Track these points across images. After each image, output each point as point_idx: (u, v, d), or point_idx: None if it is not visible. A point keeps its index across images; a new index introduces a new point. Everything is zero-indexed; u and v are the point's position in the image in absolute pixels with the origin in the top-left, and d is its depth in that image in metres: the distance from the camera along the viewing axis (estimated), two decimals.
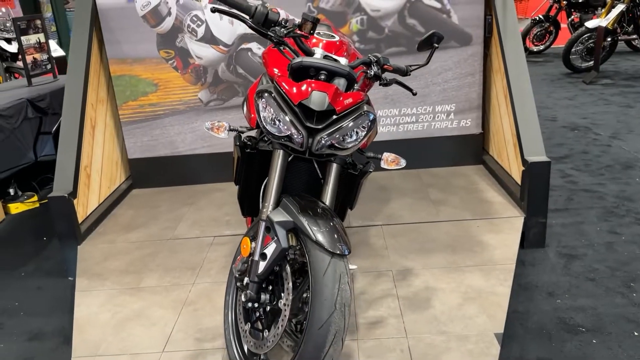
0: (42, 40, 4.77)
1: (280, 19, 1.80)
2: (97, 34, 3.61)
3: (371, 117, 1.77)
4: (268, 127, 1.75)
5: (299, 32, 1.81)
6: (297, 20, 1.85)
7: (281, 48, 1.83)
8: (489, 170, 3.68)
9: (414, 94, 2.11)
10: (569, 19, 8.44)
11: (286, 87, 1.72)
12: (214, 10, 1.77)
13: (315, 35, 2.09)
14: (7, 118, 4.00)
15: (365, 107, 1.76)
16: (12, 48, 6.79)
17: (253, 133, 2.03)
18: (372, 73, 1.94)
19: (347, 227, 3.07)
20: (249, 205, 2.11)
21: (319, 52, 1.86)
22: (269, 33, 1.78)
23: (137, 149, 3.86)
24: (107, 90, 3.76)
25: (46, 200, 3.54)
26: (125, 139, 3.85)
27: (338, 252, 1.64)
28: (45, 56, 4.82)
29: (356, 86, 1.88)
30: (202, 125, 3.82)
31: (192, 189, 3.80)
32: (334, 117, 1.72)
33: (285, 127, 1.72)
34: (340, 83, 1.79)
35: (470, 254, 2.70)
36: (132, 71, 3.71)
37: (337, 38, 2.10)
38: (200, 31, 3.61)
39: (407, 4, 3.54)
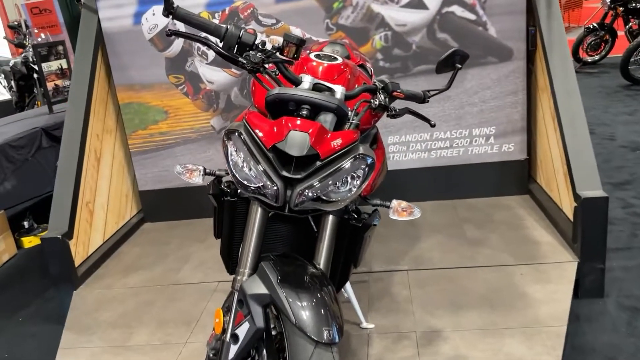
0: (64, 66, 4.68)
1: (258, 41, 1.46)
2: (103, 60, 3.40)
3: (368, 161, 1.39)
4: (237, 176, 1.40)
5: (281, 56, 1.46)
6: (288, 42, 1.49)
7: (258, 76, 1.48)
8: (536, 202, 3.20)
9: (432, 126, 1.73)
10: (627, 27, 7.74)
11: (257, 126, 1.37)
12: (170, 34, 1.46)
13: (313, 57, 1.73)
14: (18, 149, 3.84)
15: (361, 149, 1.39)
16: None
17: None
18: (377, 103, 1.57)
19: (368, 272, 2.68)
20: (235, 262, 1.76)
21: (307, 80, 1.50)
22: (240, 59, 1.44)
23: (148, 180, 3.61)
24: (116, 119, 3.54)
25: None
26: (135, 170, 3.61)
27: (324, 340, 1.27)
28: (67, 82, 4.71)
29: (355, 120, 1.51)
30: (216, 154, 3.54)
31: (205, 223, 3.49)
32: (318, 163, 1.35)
33: (256, 177, 1.36)
34: (326, 120, 1.42)
35: (511, 312, 2.25)
36: (141, 98, 3.47)
37: (339, 60, 1.73)
38: (211, 54, 3.33)
39: (437, 16, 3.15)
